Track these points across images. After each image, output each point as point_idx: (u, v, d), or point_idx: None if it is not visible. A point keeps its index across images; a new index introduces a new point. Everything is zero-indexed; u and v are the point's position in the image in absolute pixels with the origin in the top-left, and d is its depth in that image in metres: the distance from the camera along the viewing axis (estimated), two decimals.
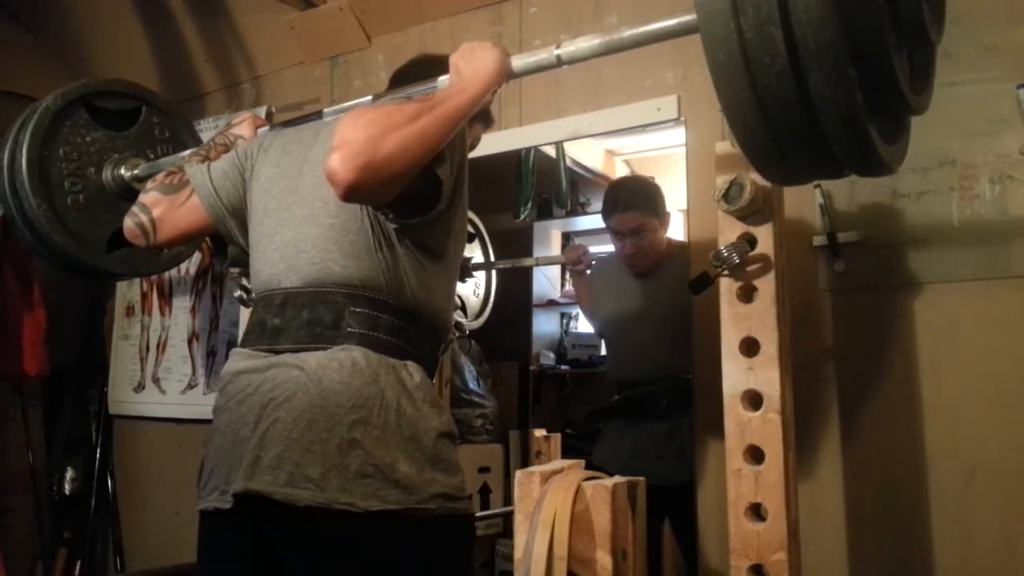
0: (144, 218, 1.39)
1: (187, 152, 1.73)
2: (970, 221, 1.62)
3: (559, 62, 1.19)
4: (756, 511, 1.31)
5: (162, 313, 3.01)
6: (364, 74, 2.61)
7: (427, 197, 1.18)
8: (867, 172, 0.87)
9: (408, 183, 1.13)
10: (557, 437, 2.58)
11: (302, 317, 1.21)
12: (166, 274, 3.00)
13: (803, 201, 1.76)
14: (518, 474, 1.36)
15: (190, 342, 2.90)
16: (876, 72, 0.76)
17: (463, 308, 2.67)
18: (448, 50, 2.44)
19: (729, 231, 1.37)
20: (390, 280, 1.22)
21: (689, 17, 1.01)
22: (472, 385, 3.45)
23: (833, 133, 0.76)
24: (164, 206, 1.39)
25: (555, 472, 1.35)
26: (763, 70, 0.74)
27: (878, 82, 0.77)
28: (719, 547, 1.54)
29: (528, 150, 2.59)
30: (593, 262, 2.75)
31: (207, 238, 1.51)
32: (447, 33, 2.44)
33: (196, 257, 2.94)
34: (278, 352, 1.21)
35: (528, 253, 3.98)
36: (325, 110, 1.42)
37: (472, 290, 2.72)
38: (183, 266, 2.97)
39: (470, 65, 1.24)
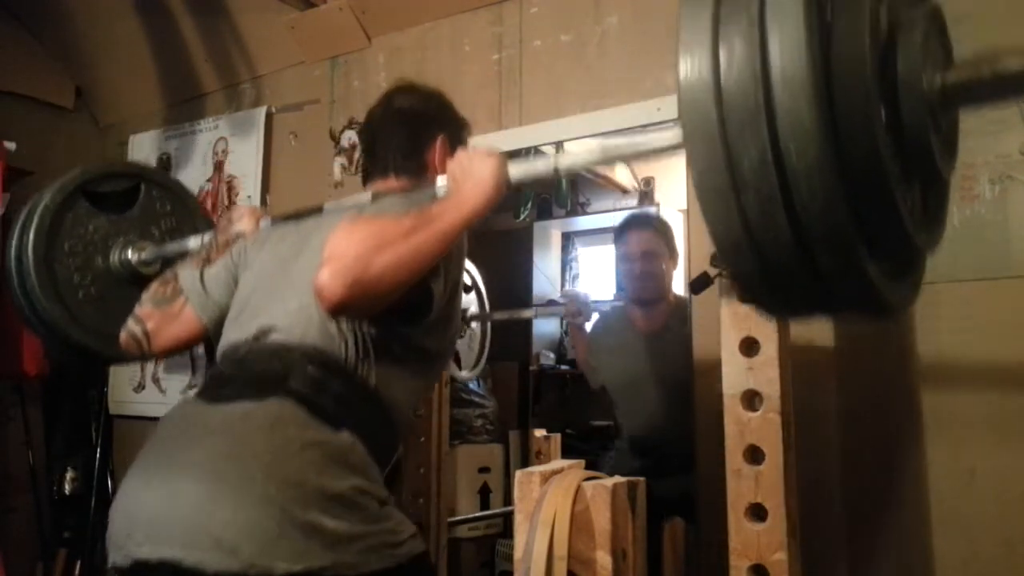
0: (138, 330, 1.39)
1: (191, 240, 1.74)
2: (970, 221, 1.62)
3: (556, 173, 1.18)
4: (756, 511, 1.31)
5: None
6: (364, 74, 2.61)
7: (416, 306, 1.17)
8: (875, 318, 0.83)
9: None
10: (557, 437, 2.58)
11: (254, 370, 1.18)
12: None
13: None
14: (518, 474, 1.36)
15: None
16: (880, 217, 0.72)
17: (456, 359, 2.63)
18: (447, 51, 2.46)
19: None
20: (353, 356, 1.18)
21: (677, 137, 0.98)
22: (472, 385, 3.46)
23: (839, 290, 0.72)
24: (158, 318, 1.39)
25: (555, 472, 1.36)
26: (764, 231, 0.70)
27: (883, 229, 0.73)
28: (719, 547, 1.54)
29: (528, 150, 2.59)
30: (595, 314, 2.71)
31: (204, 343, 1.48)
32: (447, 33, 2.44)
33: None
34: (219, 399, 1.16)
35: (528, 253, 3.99)
36: (326, 205, 1.41)
37: (467, 342, 2.68)
38: None
39: (468, 178, 1.20)
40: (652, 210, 2.72)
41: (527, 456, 3.03)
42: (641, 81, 2.05)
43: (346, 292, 1.03)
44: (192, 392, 1.24)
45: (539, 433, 2.62)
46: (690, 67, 0.71)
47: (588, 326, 2.68)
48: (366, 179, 1.47)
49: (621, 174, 3.38)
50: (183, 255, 1.62)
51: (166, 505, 1.03)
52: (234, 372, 1.20)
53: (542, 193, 3.02)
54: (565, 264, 4.30)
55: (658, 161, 2.93)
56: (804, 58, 0.66)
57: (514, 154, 2.54)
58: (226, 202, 2.89)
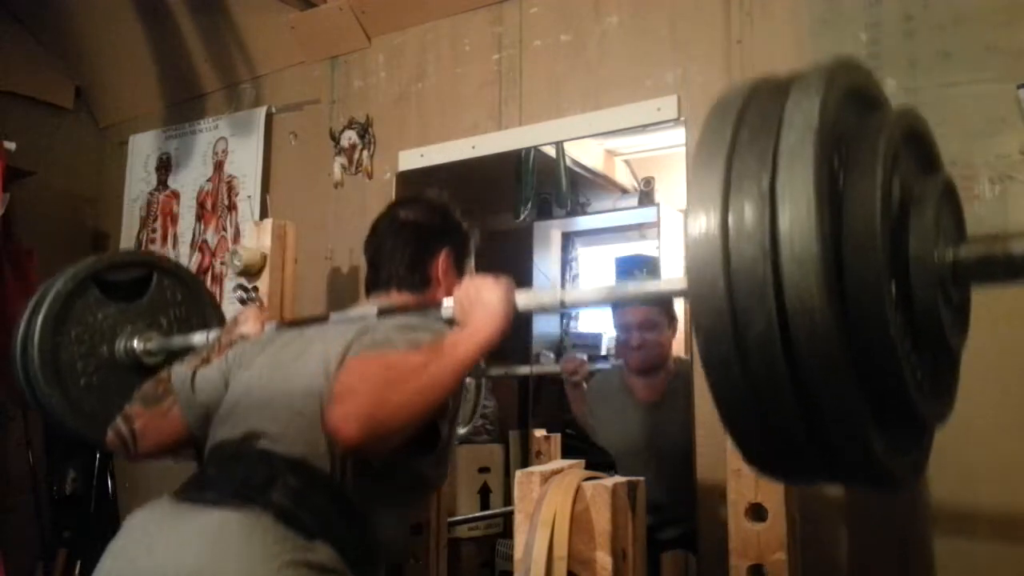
0: (125, 430, 1.38)
1: (196, 335, 1.75)
2: (969, 221, 1.61)
3: (562, 305, 1.20)
4: (756, 511, 1.31)
5: None
6: (364, 74, 2.61)
7: (420, 440, 1.15)
8: (879, 490, 0.82)
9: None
10: (557, 437, 2.57)
11: (237, 476, 1.15)
12: None
13: None
14: (518, 474, 1.36)
15: None
16: (888, 390, 0.71)
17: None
18: (447, 52, 2.46)
19: None
20: (339, 472, 1.16)
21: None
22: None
23: (839, 450, 0.70)
24: (146, 418, 1.38)
25: (555, 472, 1.35)
26: (769, 401, 0.69)
27: (891, 403, 0.72)
28: (719, 547, 1.54)
29: (528, 150, 2.59)
30: (591, 372, 2.68)
31: (194, 449, 1.44)
32: (447, 33, 2.44)
33: (196, 258, 2.94)
34: (196, 502, 1.13)
35: (528, 253, 3.98)
36: (332, 315, 1.40)
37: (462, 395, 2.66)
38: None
39: (477, 308, 1.19)
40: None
41: (527, 456, 3.03)
42: (641, 81, 2.05)
43: (361, 433, 1.03)
44: (168, 497, 1.20)
45: (539, 433, 2.62)
46: (700, 227, 0.70)
47: (586, 384, 2.64)
48: (369, 290, 1.47)
49: (621, 174, 3.38)
50: (188, 349, 1.62)
51: None
52: (217, 474, 1.18)
53: (542, 193, 3.02)
54: (565, 264, 4.29)
55: (658, 161, 2.92)
56: (814, 232, 0.65)
57: (514, 153, 2.55)
58: (226, 202, 2.89)
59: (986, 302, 1.58)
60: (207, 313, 2.03)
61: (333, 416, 1.05)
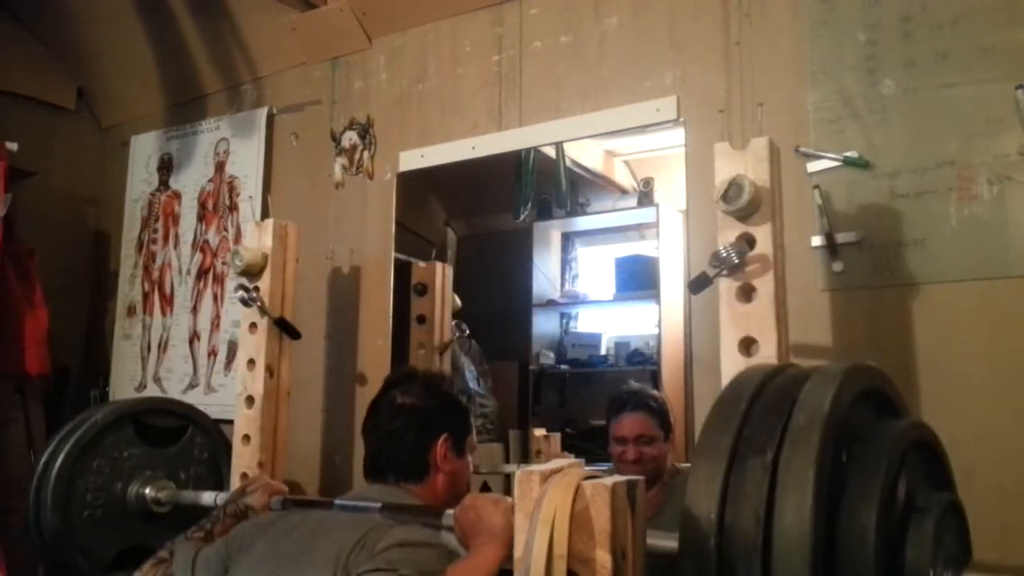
0: None
1: (205, 495, 1.80)
2: (968, 221, 1.62)
3: None
4: None
5: (163, 313, 3.02)
6: (365, 75, 2.62)
7: None
8: None
9: None
10: (557, 436, 2.58)
11: None
12: (167, 274, 3.01)
13: (802, 202, 1.76)
14: (518, 473, 1.36)
15: (191, 342, 2.91)
16: None
17: None
18: (447, 52, 2.46)
19: (728, 231, 1.38)
20: None
21: None
22: (472, 385, 3.46)
23: None
24: None
25: (555, 471, 1.36)
26: None
27: None
28: None
29: (528, 151, 2.59)
30: None
31: None
32: (447, 34, 2.44)
33: (197, 258, 2.95)
34: None
35: (528, 254, 3.98)
36: (336, 501, 1.45)
37: None
38: (183, 265, 2.98)
39: (479, 532, 1.23)
40: (638, 385, 2.58)
41: (527, 455, 3.03)
42: (641, 81, 2.06)
43: None
44: None
45: (539, 432, 2.63)
46: (699, 499, 0.73)
47: None
48: (368, 473, 1.51)
49: (621, 174, 3.39)
50: (194, 507, 1.70)
51: None
52: None
53: (542, 193, 3.03)
54: (565, 264, 4.29)
55: (658, 161, 2.93)
56: (807, 523, 0.65)
57: (514, 154, 2.55)
58: (227, 203, 2.89)
59: (989, 300, 1.59)
60: (223, 477, 2.09)
61: None
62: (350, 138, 2.60)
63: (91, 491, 1.84)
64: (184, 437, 2.02)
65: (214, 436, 2.16)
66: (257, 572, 1.33)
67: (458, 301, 2.64)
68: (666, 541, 1.04)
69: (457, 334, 2.59)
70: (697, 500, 0.72)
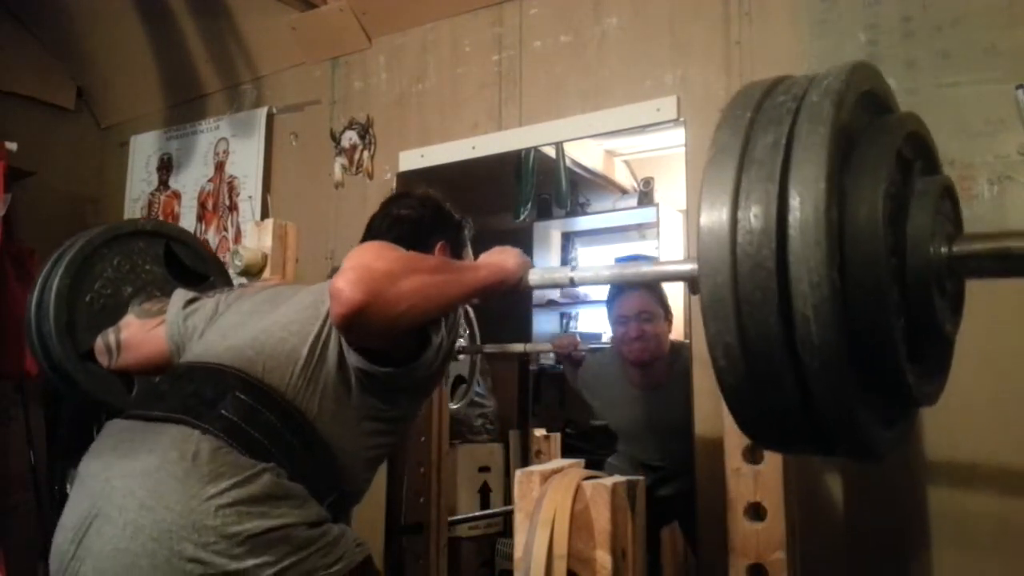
0: (112, 338, 1.40)
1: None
2: (968, 221, 1.61)
3: (572, 283, 1.24)
4: (755, 510, 1.31)
5: None
6: (365, 75, 2.62)
7: (407, 356, 1.17)
8: (857, 457, 0.85)
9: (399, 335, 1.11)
10: (557, 436, 2.58)
11: (187, 388, 1.16)
12: None
13: None
14: (518, 473, 1.36)
15: None
16: (882, 369, 0.75)
17: (453, 390, 2.63)
18: (447, 52, 2.46)
19: None
20: (297, 390, 1.16)
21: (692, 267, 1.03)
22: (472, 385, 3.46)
23: (823, 417, 0.74)
24: (134, 329, 1.41)
25: (555, 471, 1.36)
26: (767, 376, 0.73)
27: (884, 379, 0.76)
28: (718, 546, 1.55)
29: (528, 150, 2.59)
30: (584, 353, 2.67)
31: None
32: (447, 34, 2.44)
33: None
34: (148, 419, 1.15)
35: (528, 253, 3.99)
36: None
37: (455, 371, 2.67)
38: None
39: (492, 257, 1.25)
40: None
41: (527, 455, 3.03)
42: (641, 81, 2.06)
43: (365, 300, 1.01)
44: (121, 417, 1.23)
45: (539, 432, 2.63)
46: (713, 200, 0.74)
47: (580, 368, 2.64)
48: None
49: (621, 175, 3.39)
50: None
51: (91, 566, 1.04)
52: (168, 389, 1.19)
53: (542, 193, 3.03)
54: (565, 264, 4.30)
55: (658, 162, 2.93)
56: (822, 223, 0.68)
57: (514, 154, 2.55)
58: (227, 203, 2.89)
59: (986, 301, 1.59)
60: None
61: (338, 280, 1.02)
62: (350, 138, 2.60)
63: (103, 278, 1.80)
64: (203, 284, 1.97)
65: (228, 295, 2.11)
66: (233, 317, 1.31)
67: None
68: (683, 266, 1.07)
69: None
70: (710, 223, 0.74)
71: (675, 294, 2.39)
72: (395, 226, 1.45)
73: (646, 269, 1.23)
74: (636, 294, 2.29)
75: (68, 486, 3.00)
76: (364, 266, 1.03)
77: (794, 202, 0.69)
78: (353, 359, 1.18)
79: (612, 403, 2.47)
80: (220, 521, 1.02)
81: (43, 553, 2.90)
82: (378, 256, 1.06)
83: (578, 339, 2.67)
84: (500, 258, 1.24)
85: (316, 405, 1.17)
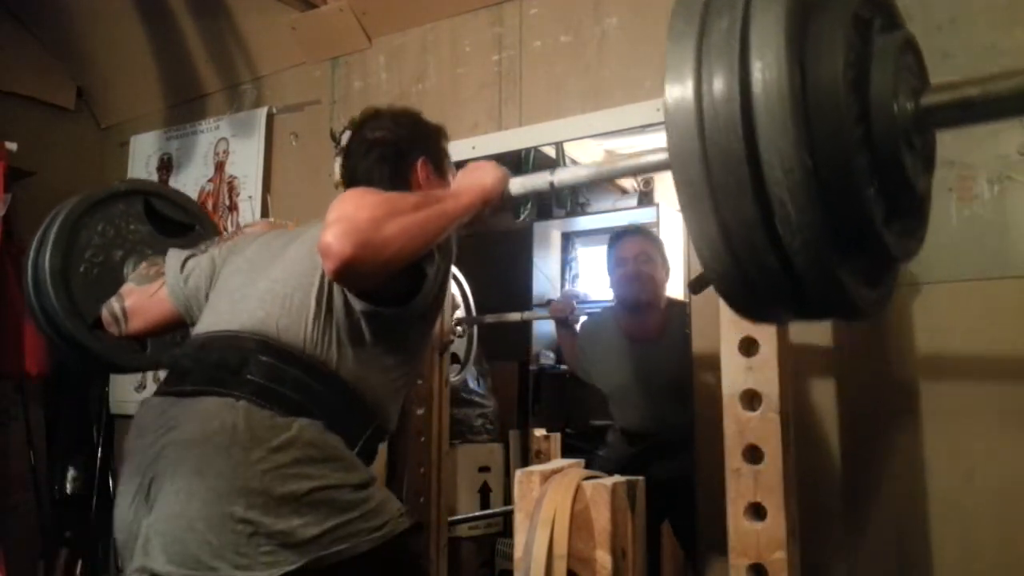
0: (117, 307, 1.41)
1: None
2: (969, 221, 1.62)
3: (552, 187, 1.23)
4: (755, 510, 1.31)
5: None
6: (365, 75, 2.62)
7: (406, 289, 1.20)
8: (845, 318, 0.87)
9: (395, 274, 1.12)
10: (557, 436, 2.58)
11: (211, 359, 1.19)
12: None
13: None
14: (518, 473, 1.36)
15: None
16: (856, 229, 0.76)
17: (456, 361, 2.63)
18: (448, 52, 2.46)
19: None
20: (315, 343, 1.19)
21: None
22: (472, 385, 3.46)
23: (809, 288, 0.75)
24: (136, 296, 1.42)
25: (555, 471, 1.36)
26: (742, 241, 0.74)
27: (860, 239, 0.77)
28: (719, 546, 1.55)
29: (528, 150, 2.59)
30: (582, 317, 2.69)
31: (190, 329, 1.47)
32: (447, 34, 2.44)
33: None
34: (181, 395, 1.18)
35: (528, 253, 3.99)
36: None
37: (454, 347, 2.68)
38: None
39: (471, 179, 1.25)
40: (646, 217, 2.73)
41: (527, 455, 3.04)
42: (641, 81, 2.06)
43: (355, 252, 1.03)
44: (155, 396, 1.25)
45: (539, 433, 2.63)
46: (675, 91, 0.75)
47: (577, 327, 2.66)
48: None
49: None
50: None
51: (153, 529, 1.10)
52: (192, 364, 1.21)
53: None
54: (565, 264, 4.30)
55: None
56: (787, 100, 0.69)
57: (514, 154, 2.55)
58: (227, 203, 2.89)
59: (989, 300, 1.59)
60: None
61: (326, 236, 1.04)
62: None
63: (93, 247, 1.80)
64: (190, 235, 1.95)
65: (209, 232, 2.06)
66: (239, 269, 1.33)
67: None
68: (657, 156, 1.06)
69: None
70: (676, 106, 0.74)
71: (676, 281, 2.39)
72: (372, 150, 1.44)
73: (622, 164, 1.22)
74: (636, 238, 2.36)
75: (68, 486, 3.00)
76: (347, 217, 1.05)
77: (757, 88, 0.70)
78: (358, 304, 1.20)
79: (606, 358, 2.48)
80: (265, 484, 1.07)
81: (43, 553, 2.90)
82: (359, 205, 1.07)
83: (574, 303, 2.69)
84: (477, 176, 1.24)
85: (336, 352, 1.20)
